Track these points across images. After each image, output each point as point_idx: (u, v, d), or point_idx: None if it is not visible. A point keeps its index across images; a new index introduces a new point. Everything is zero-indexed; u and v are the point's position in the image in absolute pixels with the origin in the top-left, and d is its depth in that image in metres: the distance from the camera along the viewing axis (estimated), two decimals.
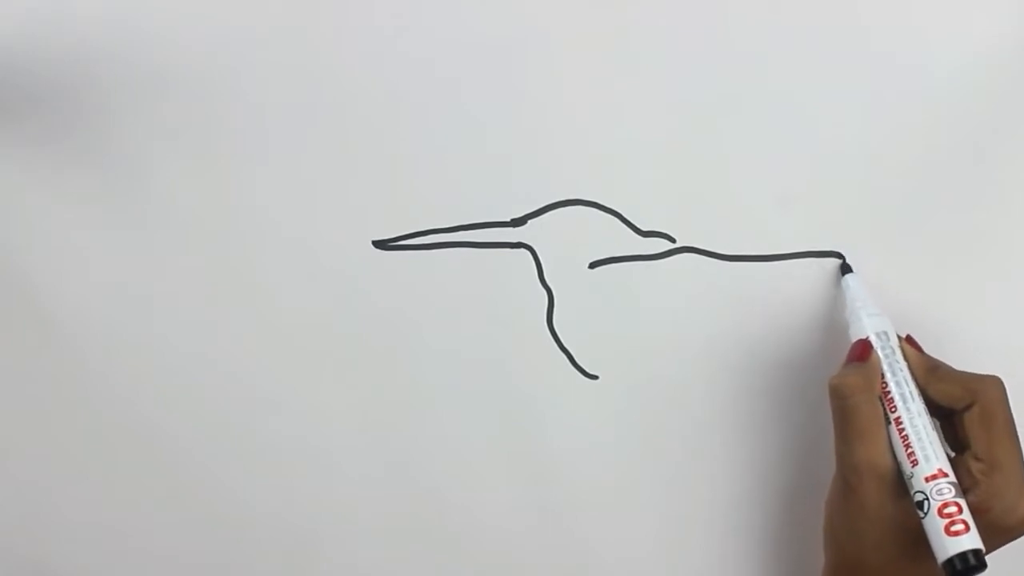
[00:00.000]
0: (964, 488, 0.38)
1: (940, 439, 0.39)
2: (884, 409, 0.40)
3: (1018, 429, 0.40)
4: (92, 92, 0.40)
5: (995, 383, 0.40)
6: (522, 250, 0.44)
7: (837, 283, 0.44)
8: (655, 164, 0.42)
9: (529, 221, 0.43)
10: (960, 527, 0.36)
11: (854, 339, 0.42)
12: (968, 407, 0.40)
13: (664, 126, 0.42)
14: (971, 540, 0.36)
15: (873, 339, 0.41)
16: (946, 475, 0.38)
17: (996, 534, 0.38)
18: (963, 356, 0.45)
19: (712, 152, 0.42)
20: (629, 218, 0.43)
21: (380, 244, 0.43)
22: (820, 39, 0.41)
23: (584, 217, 0.43)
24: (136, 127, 0.41)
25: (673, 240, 0.44)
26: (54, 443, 0.46)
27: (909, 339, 0.42)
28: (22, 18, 0.38)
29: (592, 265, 0.44)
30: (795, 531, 0.47)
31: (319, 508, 0.47)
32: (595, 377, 0.45)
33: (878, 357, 0.41)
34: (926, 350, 0.43)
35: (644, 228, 0.43)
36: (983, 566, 0.36)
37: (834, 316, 0.44)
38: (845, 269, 0.43)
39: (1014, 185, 0.43)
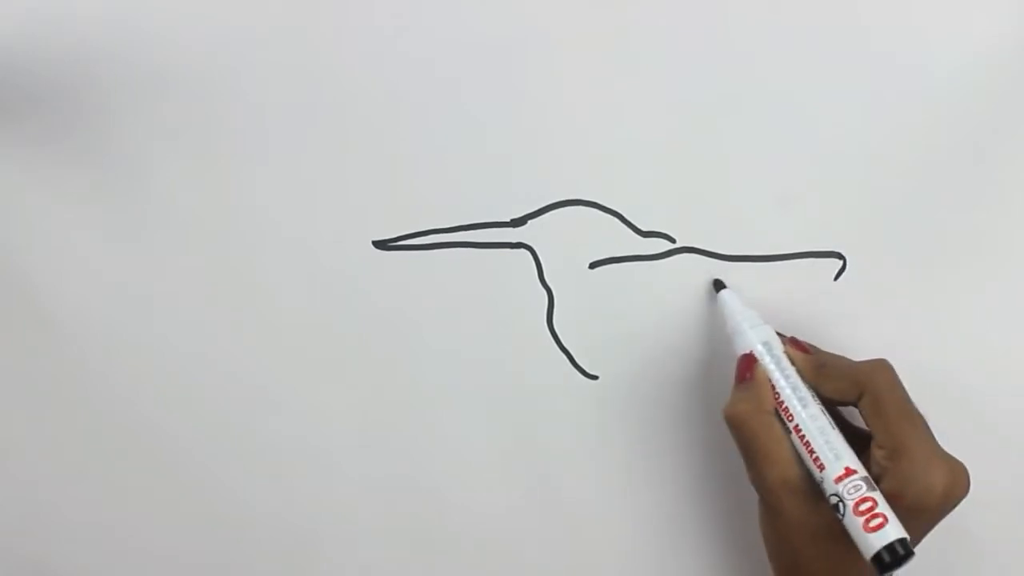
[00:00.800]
0: (875, 478, 0.37)
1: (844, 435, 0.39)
2: (782, 420, 0.40)
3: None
4: (92, 92, 0.40)
5: (880, 368, 0.39)
6: (522, 250, 0.44)
7: (831, 282, 0.44)
8: (655, 164, 0.42)
9: (529, 221, 0.43)
10: (879, 520, 0.36)
11: (738, 354, 0.41)
12: (860, 397, 0.39)
13: (664, 126, 0.42)
14: (894, 530, 0.35)
15: (757, 350, 0.41)
16: (855, 472, 0.37)
17: (920, 517, 0.37)
18: (963, 356, 0.45)
19: (712, 152, 0.42)
20: (629, 218, 0.43)
21: (380, 244, 0.43)
22: (820, 39, 0.41)
23: (584, 217, 0.43)
24: (136, 127, 0.41)
25: (673, 240, 0.44)
26: (54, 443, 0.46)
27: (793, 341, 0.42)
28: (22, 18, 0.38)
29: (592, 265, 0.44)
30: None
31: (319, 508, 0.47)
32: (595, 377, 0.45)
33: (765, 369, 0.40)
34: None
35: (644, 228, 0.43)
36: (911, 554, 0.35)
37: (832, 316, 0.44)
38: (719, 285, 0.43)
39: (1014, 185, 0.43)
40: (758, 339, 0.41)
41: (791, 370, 0.40)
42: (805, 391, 0.40)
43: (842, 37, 0.41)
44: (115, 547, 0.48)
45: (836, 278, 0.44)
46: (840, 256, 0.44)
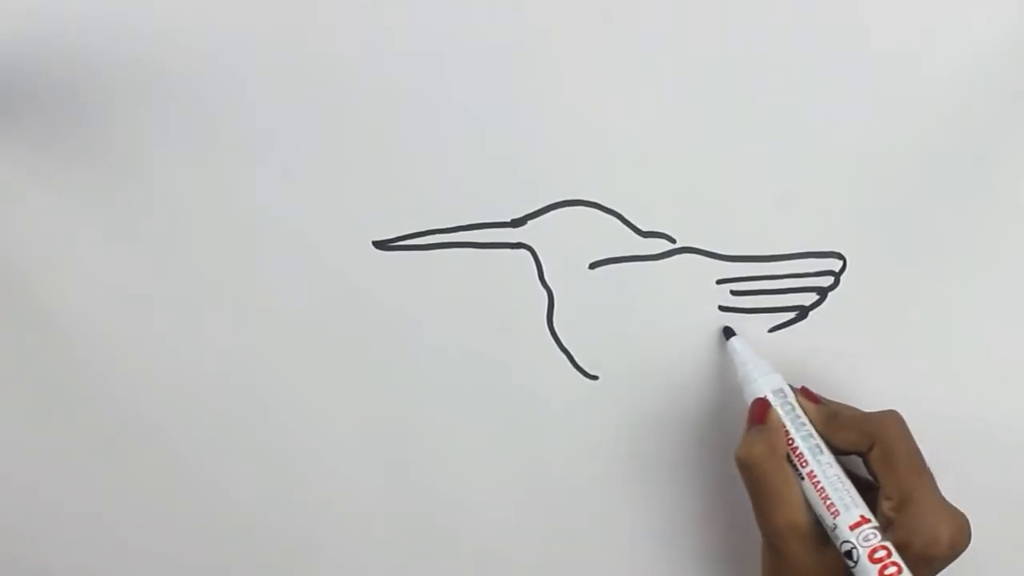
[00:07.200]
0: (882, 528, 0.38)
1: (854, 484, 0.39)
2: (795, 465, 0.40)
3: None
4: (92, 92, 0.40)
5: (891, 420, 0.40)
6: (522, 250, 0.44)
7: (830, 282, 0.44)
8: (655, 164, 0.42)
9: (529, 221, 0.43)
10: (894, 569, 0.36)
11: (749, 400, 0.42)
12: (870, 448, 0.40)
13: (664, 126, 0.42)
14: None
15: (770, 397, 0.41)
16: (868, 520, 0.38)
17: (924, 568, 0.38)
18: (962, 356, 0.45)
19: (712, 152, 0.42)
20: (629, 218, 0.43)
21: (380, 244, 0.43)
22: (820, 39, 0.41)
23: (584, 217, 0.43)
24: (136, 127, 0.41)
25: (673, 240, 0.44)
26: (54, 443, 0.46)
27: (804, 391, 0.42)
28: (22, 18, 0.38)
29: (592, 265, 0.44)
30: None
31: (319, 508, 0.47)
32: (595, 377, 0.45)
33: (778, 415, 0.41)
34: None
35: (644, 228, 0.43)
36: None
37: (831, 316, 0.44)
38: (728, 333, 0.44)
39: (1014, 185, 0.43)
40: (770, 387, 0.41)
41: (804, 418, 0.41)
42: (818, 439, 0.40)
43: (842, 37, 0.41)
44: (115, 547, 0.48)
45: (836, 278, 0.44)
46: (840, 256, 0.44)
